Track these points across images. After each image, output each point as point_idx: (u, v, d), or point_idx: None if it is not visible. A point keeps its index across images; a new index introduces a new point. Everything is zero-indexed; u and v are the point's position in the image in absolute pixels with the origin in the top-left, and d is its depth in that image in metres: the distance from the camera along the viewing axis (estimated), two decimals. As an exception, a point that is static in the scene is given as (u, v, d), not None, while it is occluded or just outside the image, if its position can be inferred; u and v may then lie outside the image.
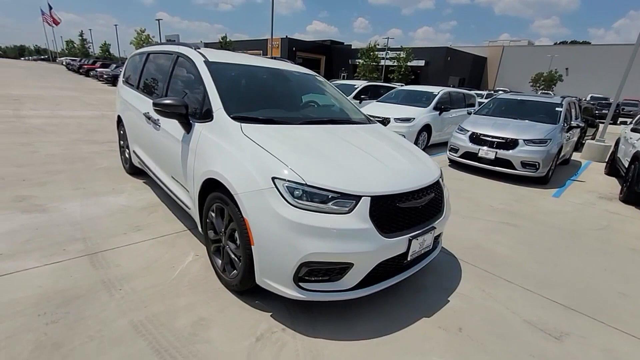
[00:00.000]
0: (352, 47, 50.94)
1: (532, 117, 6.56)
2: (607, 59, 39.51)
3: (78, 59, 41.09)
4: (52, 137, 6.19)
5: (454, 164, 6.73)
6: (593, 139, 9.82)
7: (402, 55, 38.00)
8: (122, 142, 4.50)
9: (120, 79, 4.53)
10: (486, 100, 8.49)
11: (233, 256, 2.21)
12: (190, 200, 2.65)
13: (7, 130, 6.41)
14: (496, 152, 5.87)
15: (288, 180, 1.88)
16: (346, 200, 1.89)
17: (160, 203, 3.66)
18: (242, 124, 2.31)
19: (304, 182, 1.87)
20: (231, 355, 1.79)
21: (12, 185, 3.76)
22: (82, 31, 69.75)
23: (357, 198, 1.90)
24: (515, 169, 5.76)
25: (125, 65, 4.60)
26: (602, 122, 9.62)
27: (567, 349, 2.04)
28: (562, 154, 6.50)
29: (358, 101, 9.48)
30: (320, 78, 3.82)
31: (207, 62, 2.79)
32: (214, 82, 2.59)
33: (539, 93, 28.81)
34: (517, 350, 1.99)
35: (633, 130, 6.48)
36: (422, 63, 40.15)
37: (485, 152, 5.99)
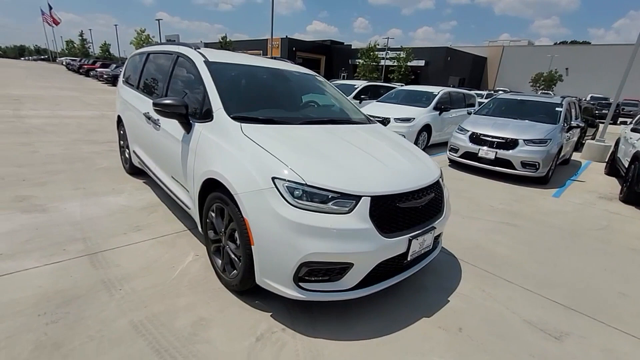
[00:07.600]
0: (352, 47, 50.90)
1: (532, 117, 6.56)
2: (607, 59, 39.48)
3: (78, 59, 41.11)
4: (52, 137, 6.19)
5: (454, 164, 6.73)
6: (593, 139, 9.82)
7: (402, 55, 37.98)
8: (122, 142, 4.50)
9: (120, 79, 4.53)
10: (486, 100, 8.49)
11: (233, 256, 2.21)
12: (190, 200, 2.65)
13: (7, 130, 6.41)
14: (496, 152, 5.87)
15: (288, 180, 1.88)
16: (346, 200, 1.89)
17: (160, 203, 3.66)
18: (242, 124, 2.31)
19: (304, 182, 1.87)
20: (231, 355, 1.79)
21: (12, 185, 3.76)
22: (82, 31, 69.95)
23: (357, 198, 1.90)
24: (515, 169, 5.76)
25: (125, 65, 4.59)
26: (602, 122, 9.61)
27: (567, 349, 2.04)
28: (562, 154, 6.50)
29: (358, 101, 9.48)
30: (320, 78, 3.82)
31: (207, 62, 2.79)
32: (214, 82, 2.60)
33: (539, 93, 28.80)
34: (517, 350, 1.99)
35: (633, 130, 6.48)
36: (422, 63, 40.13)
37: (485, 152, 5.99)
